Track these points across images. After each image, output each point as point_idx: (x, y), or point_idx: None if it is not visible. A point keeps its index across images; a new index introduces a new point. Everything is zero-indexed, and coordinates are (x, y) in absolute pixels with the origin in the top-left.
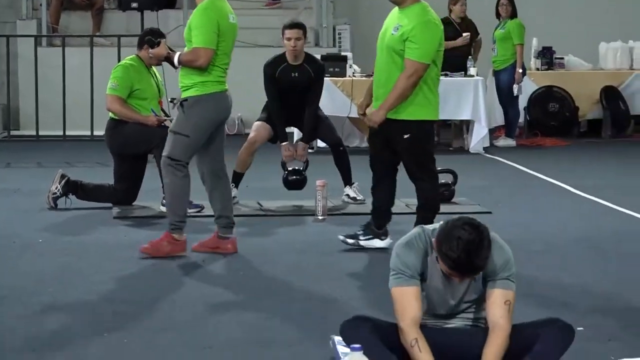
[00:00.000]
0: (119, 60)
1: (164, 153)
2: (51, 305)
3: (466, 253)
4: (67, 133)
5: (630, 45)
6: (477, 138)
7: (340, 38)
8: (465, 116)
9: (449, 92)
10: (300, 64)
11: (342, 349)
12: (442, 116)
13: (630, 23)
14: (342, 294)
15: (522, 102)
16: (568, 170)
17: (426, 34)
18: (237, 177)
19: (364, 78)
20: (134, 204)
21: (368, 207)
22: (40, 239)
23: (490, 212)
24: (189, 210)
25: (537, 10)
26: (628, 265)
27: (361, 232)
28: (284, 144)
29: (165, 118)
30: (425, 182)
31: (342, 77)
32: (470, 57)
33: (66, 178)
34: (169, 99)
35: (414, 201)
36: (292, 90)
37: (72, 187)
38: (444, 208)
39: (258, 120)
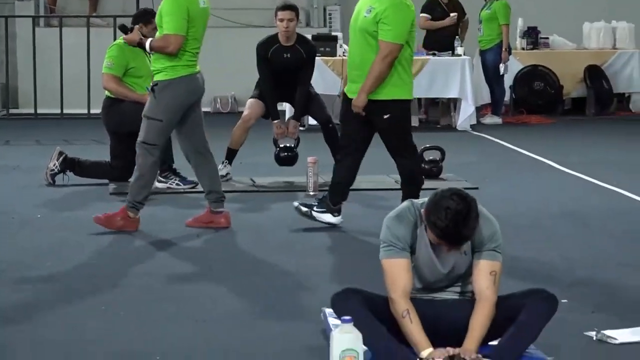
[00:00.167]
0: (114, 40)
1: (139, 139)
2: (49, 278)
3: (454, 223)
4: (65, 111)
5: (613, 25)
6: (465, 116)
7: (330, 18)
8: (452, 94)
9: (437, 71)
10: (293, 45)
11: (333, 321)
12: (431, 94)
13: (613, 4)
14: (332, 268)
15: (508, 81)
16: (553, 147)
17: (398, 15)
18: (231, 154)
19: None
20: (129, 180)
21: (357, 183)
22: (38, 215)
23: (477, 188)
24: (184, 186)
25: None
26: (611, 239)
27: (316, 203)
28: (275, 121)
29: None
30: (407, 158)
31: (333, 56)
32: (457, 37)
33: (64, 155)
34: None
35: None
36: (284, 70)
37: (69, 164)
38: (432, 184)
39: (251, 97)
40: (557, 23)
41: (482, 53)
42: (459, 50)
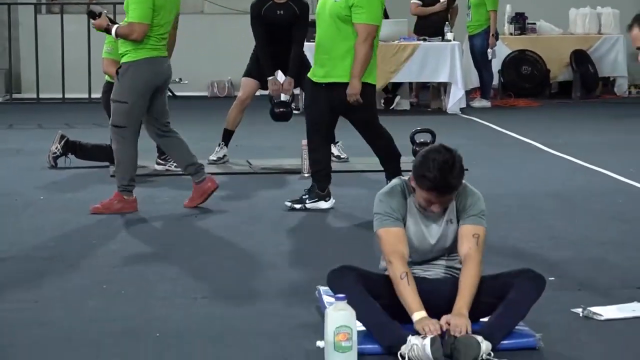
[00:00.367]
0: None
1: (110, 123)
2: (52, 258)
3: (441, 172)
4: (66, 96)
5: (599, 11)
6: (454, 99)
7: None
8: (442, 79)
9: (428, 56)
10: (285, 2)
11: (327, 298)
12: (421, 79)
13: None
14: (327, 246)
15: (496, 65)
16: (540, 130)
17: None
18: (228, 135)
19: None
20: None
21: (351, 165)
22: (41, 196)
23: (466, 169)
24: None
25: None
26: (596, 218)
27: (306, 196)
28: (270, 78)
29: None
30: (379, 139)
31: None
32: (447, 22)
33: (65, 138)
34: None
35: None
36: (278, 28)
37: (71, 147)
38: None
39: (244, 76)
40: (543, 9)
41: (470, 38)
42: (449, 35)
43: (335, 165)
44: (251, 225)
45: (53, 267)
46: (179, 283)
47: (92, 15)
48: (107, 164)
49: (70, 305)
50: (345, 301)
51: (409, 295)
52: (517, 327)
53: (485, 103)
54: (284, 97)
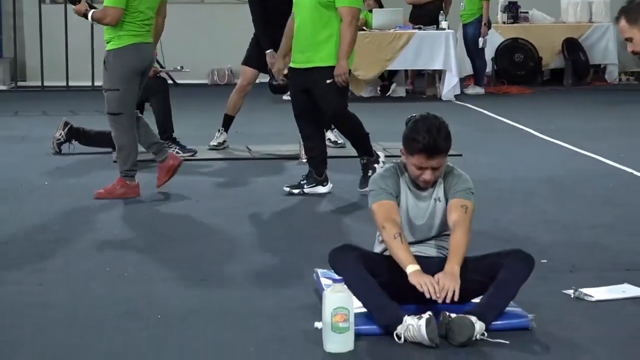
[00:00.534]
0: None
1: (106, 111)
2: (56, 241)
3: (430, 133)
4: (70, 84)
5: (590, 0)
6: (449, 86)
7: None
8: (437, 66)
9: (423, 45)
10: None
11: (325, 281)
12: (417, 66)
13: None
14: (324, 230)
15: (490, 53)
16: (532, 116)
17: None
18: (228, 120)
19: None
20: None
21: (348, 150)
22: (45, 182)
23: (460, 155)
24: (183, 154)
25: None
26: (587, 202)
27: (305, 181)
28: (268, 51)
29: (161, 69)
30: (345, 124)
31: None
32: (441, 11)
33: (69, 125)
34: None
35: (389, 145)
36: (275, 8)
37: (75, 134)
38: None
39: (242, 64)
40: None
41: (464, 27)
42: (443, 24)
43: (331, 151)
44: (250, 209)
45: (57, 251)
46: (180, 266)
47: (73, 1)
48: (110, 150)
49: (74, 288)
50: (343, 283)
51: (402, 251)
52: (510, 308)
53: (479, 90)
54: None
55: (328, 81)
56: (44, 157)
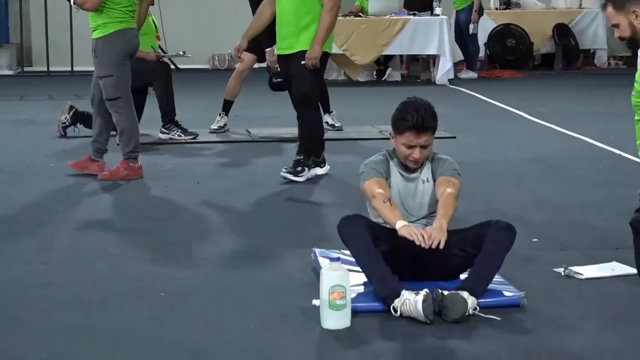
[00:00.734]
0: None
1: (104, 97)
2: (61, 222)
3: (417, 112)
4: (75, 68)
5: None
6: (443, 71)
7: None
8: (431, 51)
9: (417, 30)
10: None
11: (322, 260)
12: (411, 51)
13: None
14: (322, 210)
15: (483, 38)
16: (524, 99)
17: None
18: (227, 105)
19: (340, 17)
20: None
21: (345, 133)
22: (51, 164)
23: (454, 137)
24: (185, 137)
25: None
26: (578, 183)
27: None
28: (268, 50)
29: (164, 55)
30: (307, 116)
31: None
32: None
33: (74, 109)
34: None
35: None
36: None
37: (79, 117)
38: None
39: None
40: None
41: (457, 13)
42: (437, 10)
43: (329, 134)
44: (250, 190)
45: (63, 231)
46: (182, 245)
47: None
48: (113, 133)
49: (79, 267)
50: (340, 262)
51: (391, 212)
52: (501, 286)
53: (472, 74)
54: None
55: (302, 62)
56: (50, 140)
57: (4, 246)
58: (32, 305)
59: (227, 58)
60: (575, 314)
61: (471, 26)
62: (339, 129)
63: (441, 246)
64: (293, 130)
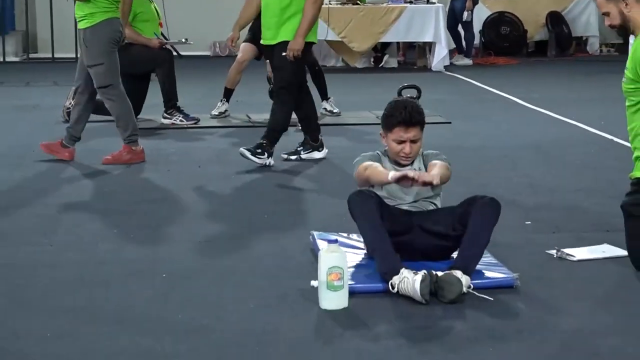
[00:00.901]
0: None
1: (95, 86)
2: (67, 205)
3: (405, 109)
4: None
5: None
6: (438, 58)
7: None
8: (427, 38)
9: (414, 18)
10: None
11: (320, 242)
12: (408, 39)
13: None
14: (320, 194)
15: (478, 26)
16: (518, 85)
17: None
18: (228, 93)
19: (338, 5)
20: (138, 117)
21: (343, 118)
22: None
23: (450, 122)
24: (187, 122)
25: None
26: (569, 167)
27: (301, 147)
28: (268, 60)
29: (166, 41)
30: (281, 108)
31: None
32: None
33: None
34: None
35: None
36: None
37: None
38: None
39: (244, 41)
40: None
41: (452, 1)
42: None
43: (328, 119)
44: (251, 174)
45: (67, 214)
46: (184, 227)
47: None
48: (112, 118)
49: (83, 249)
50: (337, 244)
51: (381, 171)
52: (495, 267)
53: (467, 61)
54: None
55: (284, 54)
56: (55, 125)
57: (9, 228)
58: (37, 285)
59: (227, 45)
60: (567, 295)
61: (465, 13)
62: (337, 115)
63: (434, 182)
64: (292, 116)
